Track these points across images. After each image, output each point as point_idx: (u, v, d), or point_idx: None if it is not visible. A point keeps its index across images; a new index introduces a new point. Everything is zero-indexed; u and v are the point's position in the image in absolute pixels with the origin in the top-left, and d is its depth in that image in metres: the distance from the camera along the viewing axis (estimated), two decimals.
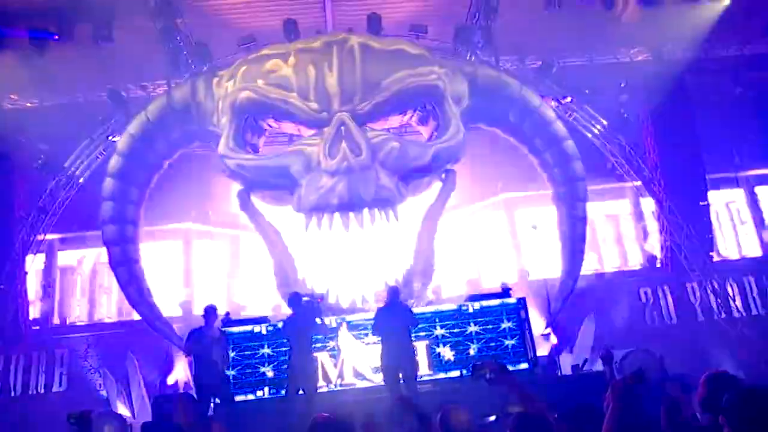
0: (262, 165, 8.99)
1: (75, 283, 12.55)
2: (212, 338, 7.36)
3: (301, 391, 6.94)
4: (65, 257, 12.69)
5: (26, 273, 11.71)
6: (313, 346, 7.79)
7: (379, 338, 7.34)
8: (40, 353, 11.50)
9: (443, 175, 9.84)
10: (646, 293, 13.02)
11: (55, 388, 11.35)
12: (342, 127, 8.59)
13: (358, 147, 8.45)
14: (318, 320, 7.32)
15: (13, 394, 11.18)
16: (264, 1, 11.19)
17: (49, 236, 11.82)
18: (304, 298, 7.67)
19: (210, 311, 7.57)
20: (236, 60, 9.79)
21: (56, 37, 10.39)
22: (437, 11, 11.54)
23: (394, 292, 7.67)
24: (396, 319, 7.25)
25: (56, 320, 12.33)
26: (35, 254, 11.70)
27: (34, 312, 12.05)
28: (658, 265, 13.27)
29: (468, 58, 10.89)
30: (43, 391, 11.34)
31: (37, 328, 11.89)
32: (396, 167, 8.81)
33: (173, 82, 10.97)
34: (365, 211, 8.56)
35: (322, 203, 8.48)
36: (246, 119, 9.26)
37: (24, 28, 10.50)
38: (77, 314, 12.38)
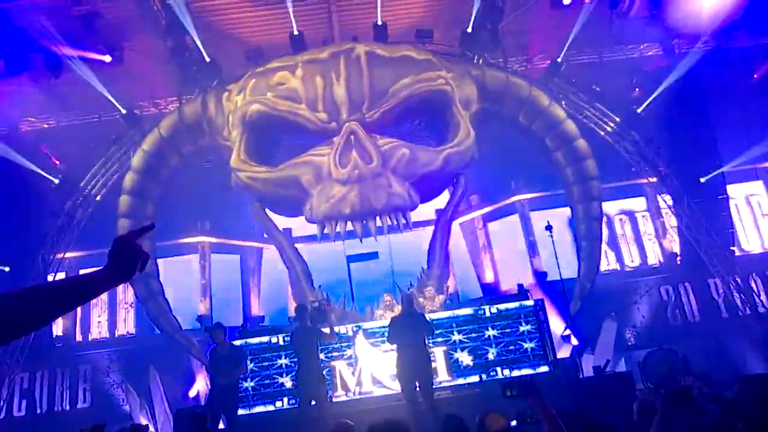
0: (273, 177, 9.05)
1: (95, 300, 12.71)
2: (220, 355, 7.41)
3: (313, 402, 6.94)
4: None
5: None
6: (328, 355, 7.81)
7: (395, 347, 7.31)
8: (63, 370, 11.68)
9: (455, 180, 9.83)
10: (667, 291, 12.83)
11: (79, 405, 11.50)
12: (351, 136, 8.64)
13: (369, 155, 8.48)
14: (326, 328, 7.27)
15: (39, 411, 11.34)
16: (270, 15, 11.28)
17: (69, 254, 11.99)
18: (312, 303, 7.66)
19: (214, 328, 7.65)
20: (245, 74, 9.89)
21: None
22: (442, 16, 11.54)
23: (408, 300, 7.65)
24: (411, 328, 7.22)
25: (78, 337, 12.48)
26: (56, 272, 11.87)
27: (57, 329, 12.22)
28: (679, 262, 13.05)
29: (475, 61, 10.88)
30: (68, 407, 11.50)
31: (61, 345, 12.06)
32: (407, 173, 8.81)
33: (184, 98, 11.12)
34: (377, 218, 8.57)
35: (334, 212, 8.51)
36: (256, 132, 9.34)
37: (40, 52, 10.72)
38: (99, 330, 12.53)
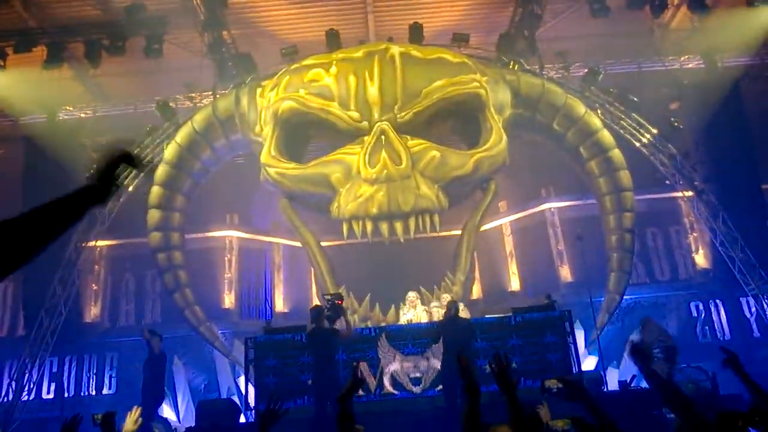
0: (303, 173, 9.08)
1: (124, 288, 12.94)
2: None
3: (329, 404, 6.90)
4: (115, 263, 13.10)
5: (78, 278, 12.13)
6: (351, 354, 7.79)
7: (424, 350, 7.28)
8: (91, 356, 11.90)
9: (484, 185, 9.73)
10: (697, 307, 12.53)
11: (105, 391, 11.70)
12: (382, 137, 8.62)
13: (398, 156, 8.45)
14: (339, 323, 7.16)
15: (66, 394, 11.58)
16: (307, 13, 11.35)
17: (100, 243, 12.24)
18: (325, 296, 7.58)
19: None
20: (279, 70, 9.95)
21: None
22: (480, 20, 11.48)
23: (454, 306, 7.59)
24: (458, 333, 7.19)
25: (106, 324, 12.72)
26: (86, 260, 12.13)
27: (86, 316, 12.47)
28: (711, 279, 12.73)
29: (511, 66, 10.77)
30: (94, 393, 11.71)
31: (89, 331, 12.29)
32: (436, 176, 8.76)
33: (218, 93, 11.24)
34: (404, 220, 8.52)
35: (361, 211, 8.50)
36: (288, 129, 9.38)
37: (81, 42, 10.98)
38: (126, 319, 12.75)
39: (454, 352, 7.06)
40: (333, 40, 10.56)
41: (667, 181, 12.07)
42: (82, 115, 12.80)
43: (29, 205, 1.30)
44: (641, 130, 11.55)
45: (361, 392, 7.90)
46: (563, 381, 3.07)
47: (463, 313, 8.93)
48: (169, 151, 10.66)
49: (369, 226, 8.66)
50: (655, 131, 11.70)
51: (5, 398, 10.65)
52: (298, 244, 11.05)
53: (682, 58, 12.38)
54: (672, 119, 11.86)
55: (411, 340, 8.20)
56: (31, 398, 10.91)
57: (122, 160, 1.44)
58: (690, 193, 12.12)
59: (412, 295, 9.19)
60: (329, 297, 7.33)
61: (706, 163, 12.24)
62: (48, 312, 10.96)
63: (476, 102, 9.17)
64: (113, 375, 11.75)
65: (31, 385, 10.81)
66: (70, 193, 1.33)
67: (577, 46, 11.59)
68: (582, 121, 10.30)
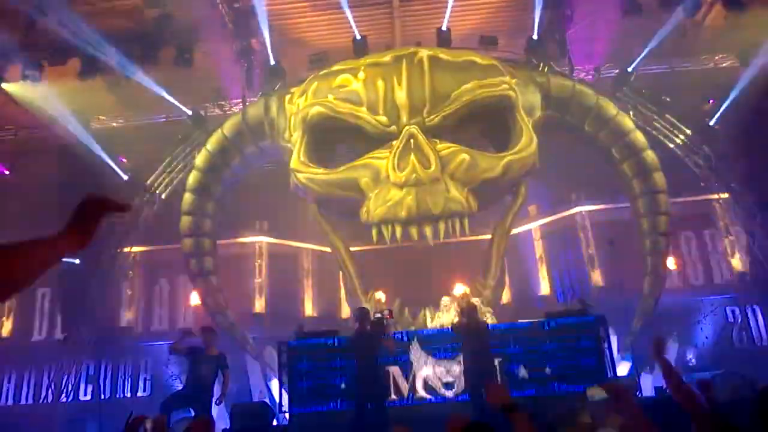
0: (332, 179, 9.11)
1: (157, 293, 13.17)
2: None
3: (369, 405, 6.91)
4: (149, 269, 13.34)
5: (114, 284, 12.39)
6: (383, 359, 7.79)
7: (456, 354, 7.27)
8: (126, 360, 12.12)
9: (514, 188, 9.65)
10: (733, 312, 12.20)
11: (140, 393, 11.89)
12: (411, 140, 8.61)
13: (427, 159, 8.43)
14: (385, 339, 7.28)
15: (103, 396, 11.80)
16: (334, 20, 11.43)
17: (135, 249, 12.48)
18: (376, 315, 7.67)
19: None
20: (308, 77, 10.04)
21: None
22: (508, 23, 11.41)
23: (472, 310, 7.58)
24: (475, 336, 7.19)
25: (140, 329, 12.94)
26: (122, 266, 12.38)
27: (121, 321, 12.72)
28: (748, 283, 12.39)
29: (541, 68, 10.68)
30: (129, 395, 11.90)
31: (124, 336, 12.52)
32: (466, 179, 8.70)
33: (248, 101, 11.39)
34: (434, 223, 8.49)
35: (391, 215, 8.49)
36: (317, 134, 9.44)
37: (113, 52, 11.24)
38: (159, 323, 12.96)
39: (473, 355, 7.06)
40: (360, 48, 10.63)
41: (702, 183, 11.83)
42: (114, 125, 13.10)
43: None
44: (675, 131, 11.36)
45: (394, 396, 7.90)
46: (608, 388, 2.99)
47: (490, 319, 8.89)
48: (200, 158, 10.83)
49: (398, 230, 8.64)
50: (689, 132, 11.49)
51: (45, 400, 10.90)
52: (327, 249, 11.10)
53: (716, 57, 12.14)
54: (706, 120, 11.64)
55: (443, 345, 8.16)
56: (69, 400, 11.15)
57: (98, 207, 1.36)
58: (726, 196, 11.86)
59: (446, 299, 9.17)
60: (379, 314, 7.49)
61: (741, 165, 11.95)
62: (84, 317, 11.19)
63: (506, 104, 9.11)
64: (147, 378, 11.94)
65: (70, 388, 11.05)
66: (43, 239, 1.25)
67: (608, 48, 11.44)
68: (614, 122, 10.16)
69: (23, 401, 11.85)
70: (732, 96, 11.55)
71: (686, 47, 11.75)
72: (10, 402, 11.98)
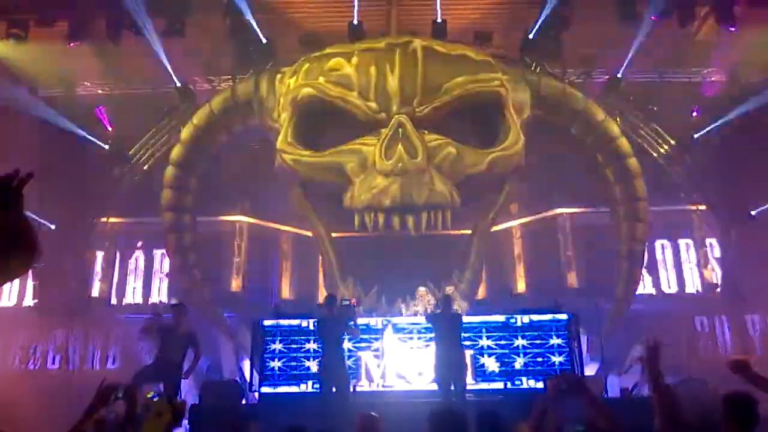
0: (318, 161, 9.09)
1: (133, 266, 13.02)
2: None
3: (334, 389, 6.96)
4: (125, 241, 13.18)
5: (89, 253, 12.23)
6: (356, 345, 7.84)
7: (429, 344, 7.34)
8: (97, 331, 11.96)
9: (499, 186, 9.72)
10: (702, 321, 12.45)
11: (109, 365, 11.76)
12: (399, 129, 8.61)
13: (415, 150, 8.44)
14: (351, 324, 7.32)
15: (71, 366, 11.64)
16: (330, 2, 11.34)
17: (112, 220, 12.31)
18: (343, 300, 7.70)
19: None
20: (300, 57, 9.96)
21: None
22: (503, 20, 11.40)
23: (447, 300, 7.65)
24: (449, 327, 7.24)
25: (114, 300, 12.79)
26: (98, 236, 12.22)
27: (95, 291, 12.56)
28: (717, 294, 12.67)
29: (533, 68, 10.73)
30: (98, 367, 11.76)
31: (95, 306, 12.36)
32: (451, 173, 8.75)
33: (238, 77, 11.27)
34: (417, 214, 8.53)
35: (375, 203, 8.50)
36: (306, 116, 9.39)
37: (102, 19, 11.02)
38: (133, 296, 12.83)
39: (444, 345, 7.14)
40: (356, 33, 10.56)
41: (682, 194, 12.03)
42: (100, 92, 12.86)
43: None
44: (659, 140, 11.51)
45: (365, 382, 7.95)
46: (566, 378, 3.08)
47: (462, 311, 8.98)
48: (186, 132, 10.70)
49: (381, 219, 8.66)
50: (672, 142, 11.66)
51: (12, 365, 10.76)
52: (307, 233, 11.08)
53: (705, 71, 12.31)
54: (691, 132, 11.82)
55: (417, 334, 8.23)
56: (36, 367, 11.02)
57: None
58: (703, 207, 12.08)
59: (422, 289, 9.23)
60: (346, 301, 7.53)
61: (720, 178, 12.18)
62: (57, 285, 11.03)
63: (496, 101, 9.15)
64: (118, 350, 11.81)
65: (38, 355, 10.91)
66: None
67: (601, 52, 11.53)
68: (601, 127, 10.26)
69: None
70: (718, 111, 11.74)
71: (677, 59, 11.90)
72: None
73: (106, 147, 12.24)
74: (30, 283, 12.35)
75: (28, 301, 12.31)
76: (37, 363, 11.12)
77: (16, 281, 12.80)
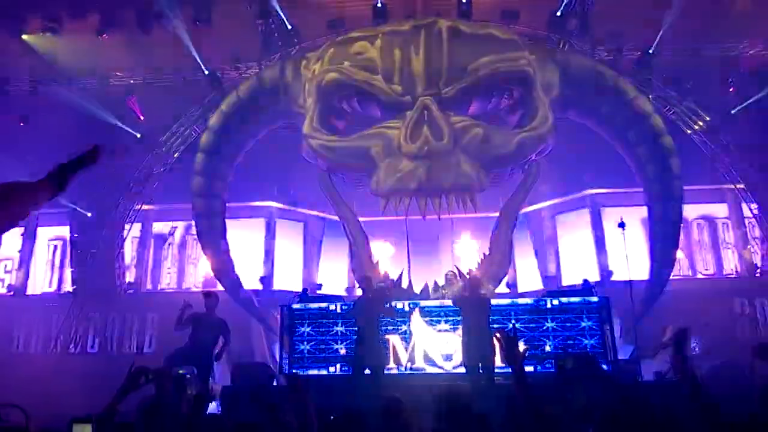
0: (344, 146, 9.09)
1: (166, 251, 13.33)
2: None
3: (367, 371, 7.01)
4: (158, 227, 13.48)
5: (124, 240, 12.55)
6: (383, 328, 7.88)
7: (457, 327, 7.31)
8: (133, 316, 12.30)
9: (527, 166, 9.57)
10: (742, 303, 12.09)
11: (145, 349, 12.10)
12: (425, 111, 8.54)
13: (440, 132, 8.37)
14: (387, 306, 7.35)
15: (109, 349, 12.03)
16: None
17: (145, 207, 12.59)
18: (380, 283, 7.74)
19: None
20: (325, 42, 9.93)
21: None
22: None
23: (475, 283, 7.60)
24: (477, 310, 7.20)
25: (149, 286, 13.12)
26: (132, 223, 12.51)
27: (130, 277, 12.90)
28: (758, 275, 12.28)
29: (561, 46, 10.48)
30: (135, 350, 12.12)
31: (132, 292, 12.71)
32: (478, 154, 8.65)
33: (264, 64, 11.32)
34: (443, 197, 8.47)
35: (401, 187, 8.48)
36: (331, 101, 9.38)
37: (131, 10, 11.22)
38: (167, 281, 13.14)
39: (472, 328, 7.10)
40: (380, 15, 10.49)
41: (718, 171, 11.65)
42: (132, 82, 13.08)
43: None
44: (694, 117, 11.14)
45: (393, 365, 8.00)
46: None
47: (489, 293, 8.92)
48: (215, 119, 10.82)
49: (407, 202, 8.64)
50: (708, 119, 11.28)
51: (54, 350, 11.16)
52: (335, 217, 11.12)
53: (742, 44, 11.82)
54: (727, 107, 11.41)
55: (444, 317, 8.22)
56: (76, 351, 11.41)
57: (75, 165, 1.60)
58: (741, 186, 11.68)
59: (450, 273, 9.19)
60: (382, 284, 7.57)
61: (760, 155, 11.75)
62: (94, 271, 11.36)
63: (523, 80, 8.99)
64: (153, 335, 12.12)
65: (77, 339, 11.29)
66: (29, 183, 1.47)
67: (631, 28, 11.17)
68: (632, 105, 9.97)
69: (33, 351, 12.12)
70: (756, 85, 11.29)
71: (712, 31, 11.45)
72: (21, 350, 12.26)
73: (138, 136, 12.48)
74: (68, 270, 12.77)
75: (68, 287, 12.73)
76: (77, 347, 11.50)
77: (56, 269, 13.28)
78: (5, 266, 13.64)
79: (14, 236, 13.43)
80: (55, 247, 13.59)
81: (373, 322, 7.20)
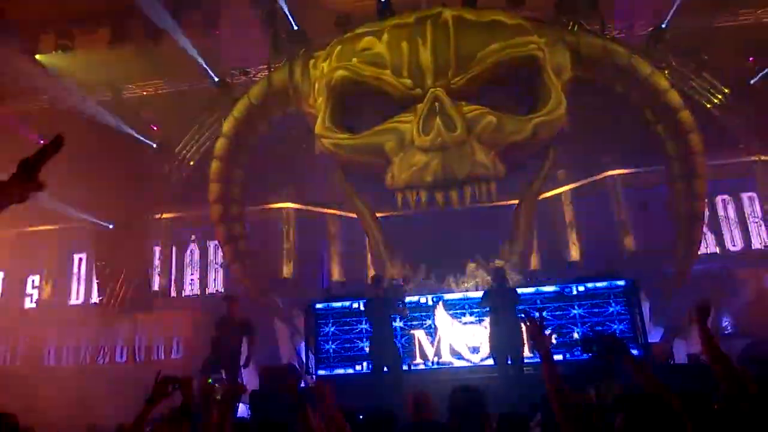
0: (357, 144, 9.05)
1: (189, 258, 13.47)
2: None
3: (386, 369, 6.99)
4: (180, 235, 13.62)
5: (146, 249, 12.70)
6: (408, 323, 7.85)
7: (482, 319, 7.25)
8: (160, 323, 12.43)
9: (543, 151, 9.44)
10: None
11: (173, 355, 12.24)
12: (436, 103, 8.45)
13: (453, 122, 8.28)
14: (400, 305, 7.32)
15: (137, 358, 12.19)
16: None
17: (166, 215, 12.73)
18: (393, 280, 7.71)
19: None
20: (332, 41, 9.89)
21: None
22: None
23: (500, 274, 7.52)
24: (505, 300, 7.14)
25: (173, 293, 13.28)
26: (154, 232, 12.67)
27: (155, 285, 13.07)
28: None
29: (570, 27, 10.29)
30: (163, 357, 12.27)
31: (157, 300, 12.87)
32: (493, 142, 8.55)
33: (273, 67, 11.33)
34: (460, 188, 8.39)
35: (416, 180, 8.42)
36: (341, 98, 9.34)
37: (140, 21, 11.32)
38: (191, 288, 13.29)
39: (500, 318, 7.03)
40: (385, 10, 10.38)
41: (741, 145, 11.37)
42: (144, 93, 13.22)
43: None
44: (713, 90, 10.88)
45: (419, 360, 7.97)
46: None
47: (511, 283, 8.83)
48: (227, 125, 10.86)
49: (423, 196, 8.57)
50: (727, 91, 11.01)
51: (84, 361, 11.34)
52: (353, 214, 11.11)
53: (759, 11, 11.49)
54: (747, 78, 11.12)
55: (468, 309, 8.16)
56: (106, 361, 11.59)
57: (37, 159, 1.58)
58: (766, 157, 11.40)
59: (472, 265, 9.12)
60: (396, 280, 7.52)
61: None
62: (119, 281, 11.50)
63: (534, 64, 8.83)
64: (180, 341, 12.26)
65: (106, 350, 11.46)
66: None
67: (642, 3, 10.93)
68: (648, 81, 9.75)
69: (64, 363, 12.33)
70: None
71: (726, 1, 11.16)
72: (53, 363, 12.48)
73: (154, 145, 12.60)
74: (94, 281, 12.97)
75: (94, 298, 12.94)
76: (106, 357, 11.67)
77: (82, 280, 13.50)
78: (32, 281, 13.92)
79: (41, 251, 13.73)
80: (80, 259, 13.81)
81: (385, 321, 7.17)
